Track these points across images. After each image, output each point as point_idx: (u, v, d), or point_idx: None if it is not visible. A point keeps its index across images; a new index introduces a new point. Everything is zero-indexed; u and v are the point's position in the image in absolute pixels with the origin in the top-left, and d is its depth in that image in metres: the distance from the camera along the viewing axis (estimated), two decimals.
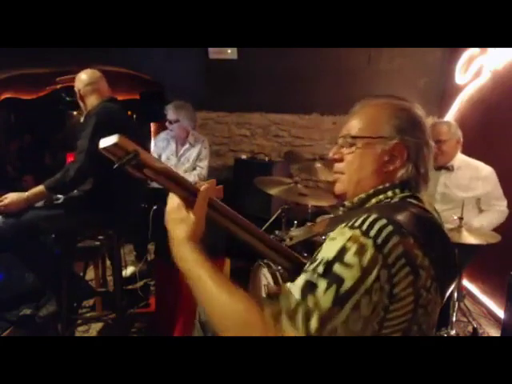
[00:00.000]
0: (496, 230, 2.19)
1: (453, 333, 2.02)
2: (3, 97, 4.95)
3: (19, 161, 5.89)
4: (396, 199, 0.86)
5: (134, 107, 4.58)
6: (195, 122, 3.31)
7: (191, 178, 3.08)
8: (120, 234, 2.15)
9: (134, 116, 4.62)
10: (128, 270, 2.98)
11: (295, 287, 0.73)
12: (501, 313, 2.41)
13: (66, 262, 2.10)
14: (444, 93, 3.64)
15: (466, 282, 2.96)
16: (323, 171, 2.66)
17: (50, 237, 2.05)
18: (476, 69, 3.03)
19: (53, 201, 2.07)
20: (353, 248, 0.71)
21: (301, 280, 0.74)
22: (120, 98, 2.23)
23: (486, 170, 2.29)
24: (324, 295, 0.69)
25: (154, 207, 2.39)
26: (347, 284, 0.69)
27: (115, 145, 0.73)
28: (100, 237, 2.18)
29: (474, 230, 2.00)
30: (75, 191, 2.08)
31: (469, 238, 1.90)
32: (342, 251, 0.72)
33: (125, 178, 2.26)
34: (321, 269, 0.72)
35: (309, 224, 0.97)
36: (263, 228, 2.68)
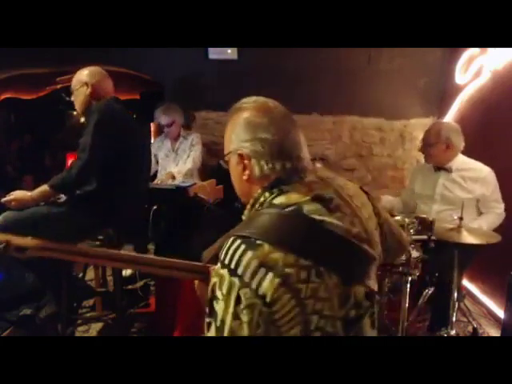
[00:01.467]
0: (496, 229, 2.19)
1: (453, 333, 2.02)
2: (3, 97, 4.95)
3: (19, 161, 5.89)
4: (264, 206, 0.89)
5: (134, 107, 4.57)
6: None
7: (187, 165, 3.14)
8: (120, 234, 2.15)
9: (134, 116, 4.62)
10: (128, 270, 2.97)
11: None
12: (501, 313, 2.41)
13: (65, 262, 2.09)
14: (444, 93, 3.64)
15: (466, 282, 2.95)
16: (323, 171, 2.66)
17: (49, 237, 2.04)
18: (476, 69, 3.02)
19: (55, 200, 2.06)
20: (217, 283, 0.80)
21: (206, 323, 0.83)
22: (120, 97, 2.22)
23: (485, 171, 2.27)
24: (212, 332, 0.79)
25: (154, 207, 2.37)
26: (219, 317, 0.78)
27: None
28: (100, 237, 2.17)
29: (474, 229, 1.99)
30: (78, 191, 2.05)
31: (469, 238, 1.90)
32: (213, 288, 0.81)
33: (128, 177, 2.23)
34: (208, 309, 0.82)
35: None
36: None
